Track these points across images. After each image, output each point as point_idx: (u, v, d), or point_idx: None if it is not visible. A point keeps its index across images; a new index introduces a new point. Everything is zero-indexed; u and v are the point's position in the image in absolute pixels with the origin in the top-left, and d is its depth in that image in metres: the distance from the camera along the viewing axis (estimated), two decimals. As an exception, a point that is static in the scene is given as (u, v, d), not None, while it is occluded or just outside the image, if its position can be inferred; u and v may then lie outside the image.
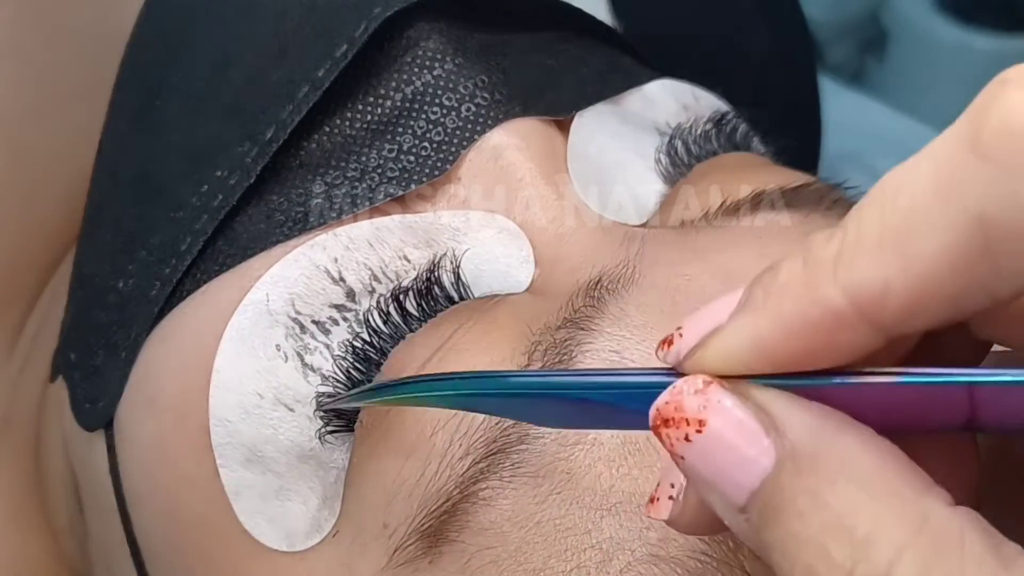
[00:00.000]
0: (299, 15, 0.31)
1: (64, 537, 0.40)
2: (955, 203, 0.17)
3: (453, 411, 0.26)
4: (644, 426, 0.20)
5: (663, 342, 0.20)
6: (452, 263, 0.29)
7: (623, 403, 0.20)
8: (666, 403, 0.19)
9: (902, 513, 0.17)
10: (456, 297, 0.29)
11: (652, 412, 0.19)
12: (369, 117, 0.30)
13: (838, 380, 0.18)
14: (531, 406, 0.21)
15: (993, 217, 0.17)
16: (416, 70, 0.30)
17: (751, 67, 0.58)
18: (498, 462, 0.25)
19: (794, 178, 0.32)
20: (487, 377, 0.23)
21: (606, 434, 0.25)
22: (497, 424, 0.26)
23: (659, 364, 0.20)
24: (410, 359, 0.27)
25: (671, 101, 0.34)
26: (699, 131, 0.33)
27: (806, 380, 0.18)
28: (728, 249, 0.29)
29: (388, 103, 0.30)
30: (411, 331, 0.28)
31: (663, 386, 0.19)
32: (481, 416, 0.26)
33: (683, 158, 0.33)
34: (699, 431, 0.19)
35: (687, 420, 0.19)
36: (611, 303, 0.27)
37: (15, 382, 0.41)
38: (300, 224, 0.29)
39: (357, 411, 0.28)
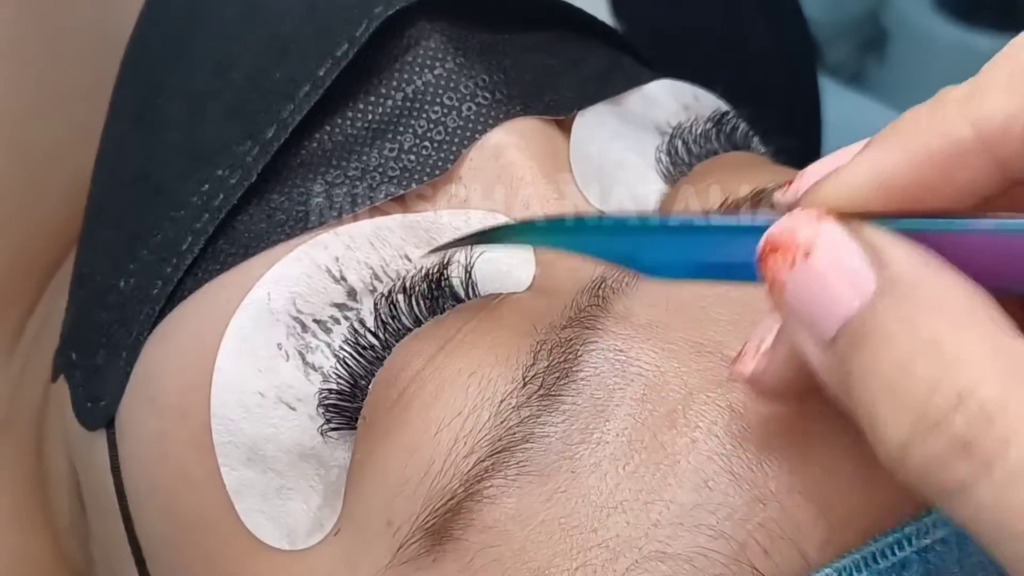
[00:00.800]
0: (300, 14, 0.31)
1: (66, 537, 0.40)
2: None
3: (458, 410, 0.26)
4: (750, 274, 0.20)
5: (786, 182, 0.21)
6: (462, 262, 0.29)
7: (736, 240, 0.21)
8: (779, 230, 0.20)
9: (990, 344, 0.18)
10: (463, 296, 0.29)
11: (763, 240, 0.20)
12: (370, 116, 0.30)
13: (947, 223, 0.19)
14: (642, 244, 0.22)
15: None
16: (417, 69, 0.30)
17: (751, 67, 0.58)
18: (503, 460, 0.25)
19: (794, 177, 0.32)
20: (608, 220, 0.23)
21: (611, 433, 0.25)
22: (502, 423, 0.26)
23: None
24: (414, 355, 0.27)
25: (671, 101, 0.34)
26: (699, 131, 0.33)
27: (917, 222, 0.19)
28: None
29: (389, 102, 0.30)
30: (413, 328, 0.28)
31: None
32: (487, 415, 0.26)
33: (683, 158, 0.33)
34: (806, 257, 0.19)
35: (796, 246, 0.19)
36: (616, 302, 0.27)
37: (16, 382, 0.41)
38: (301, 223, 0.29)
39: (359, 408, 0.28)
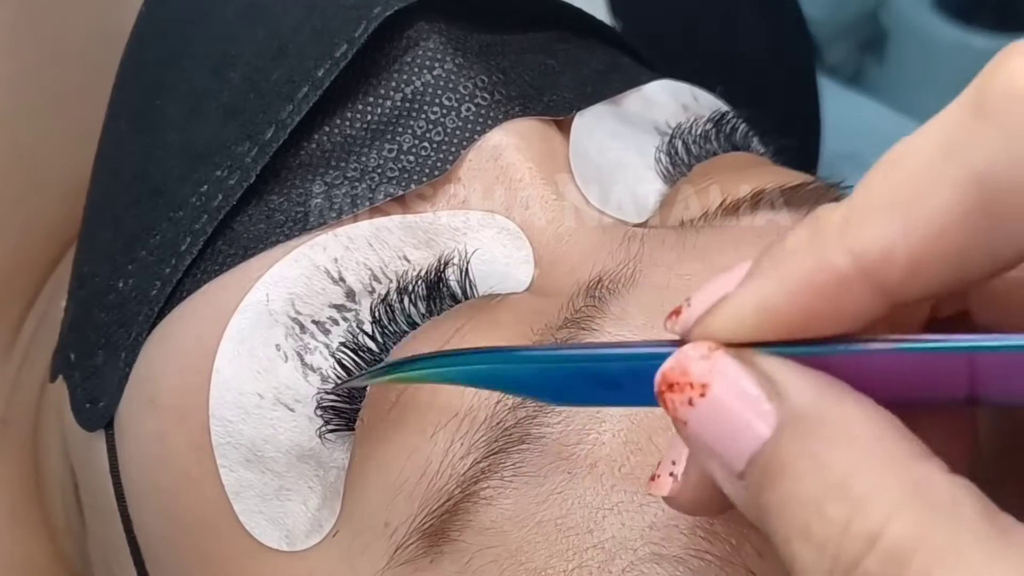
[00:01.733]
0: (299, 15, 0.31)
1: (63, 537, 0.40)
2: (957, 163, 0.17)
3: (455, 412, 0.26)
4: (651, 400, 0.20)
5: (672, 313, 0.20)
6: (460, 262, 0.29)
7: (630, 375, 0.21)
8: (671, 368, 0.19)
9: (899, 476, 0.17)
10: (461, 296, 0.29)
11: (658, 377, 0.20)
12: (369, 117, 0.30)
13: (840, 348, 0.19)
14: (541, 381, 0.22)
15: (994, 176, 0.17)
16: (416, 70, 0.30)
17: (750, 67, 0.58)
18: (499, 462, 0.25)
19: (793, 178, 0.32)
20: (498, 352, 0.23)
21: (607, 434, 0.25)
22: (498, 424, 0.26)
23: (668, 337, 0.20)
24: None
25: (671, 101, 0.34)
26: (699, 131, 0.33)
27: (809, 348, 0.19)
28: (728, 249, 0.29)
29: (388, 103, 0.30)
30: (412, 330, 0.28)
31: (662, 357, 0.20)
32: (483, 416, 0.26)
33: (683, 158, 0.33)
34: (703, 395, 0.19)
35: (691, 384, 0.19)
36: (612, 303, 0.27)
37: (13, 382, 0.41)
38: (300, 224, 0.29)
39: (357, 410, 0.28)
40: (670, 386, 0.19)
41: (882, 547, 0.17)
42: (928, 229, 0.17)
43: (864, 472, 0.17)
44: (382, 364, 0.26)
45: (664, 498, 0.22)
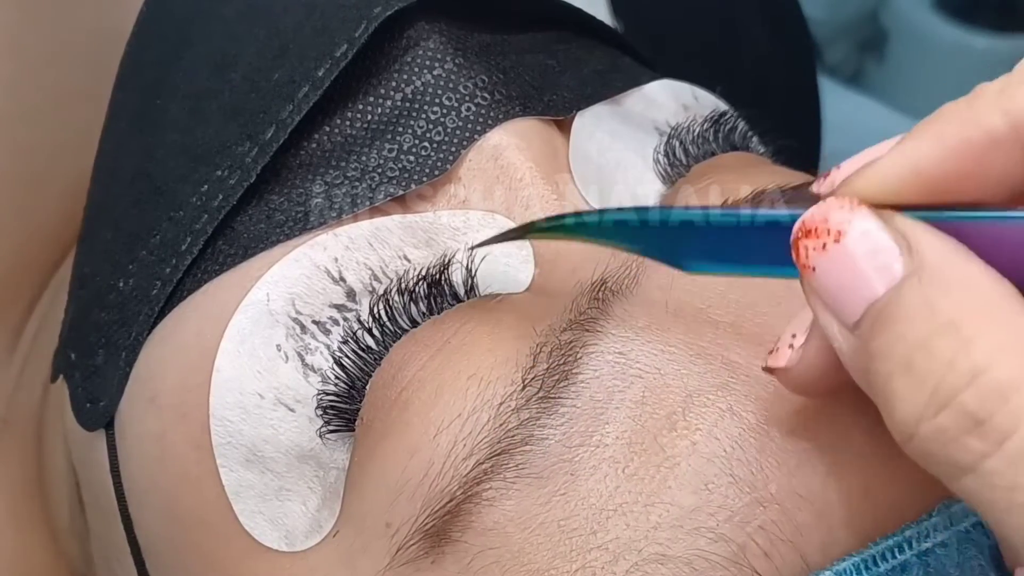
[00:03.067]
0: (299, 15, 0.31)
1: (65, 537, 0.40)
2: None
3: (458, 412, 0.26)
4: (787, 261, 0.21)
5: (821, 175, 0.21)
6: (463, 262, 0.29)
7: (771, 231, 0.21)
8: (813, 214, 0.20)
9: (1010, 328, 0.18)
10: (463, 296, 0.29)
11: (798, 224, 0.20)
12: (369, 117, 0.30)
13: (977, 214, 0.19)
14: (677, 237, 0.23)
15: None
16: (416, 70, 0.30)
17: (750, 67, 0.58)
18: (502, 463, 0.25)
19: (793, 178, 0.32)
20: (646, 209, 0.24)
21: (611, 436, 0.25)
22: (501, 426, 0.26)
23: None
24: (411, 356, 0.27)
25: (671, 101, 0.34)
26: (697, 131, 0.33)
27: (947, 214, 0.19)
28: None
29: (388, 103, 0.30)
30: (412, 329, 0.28)
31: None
32: (486, 417, 0.26)
33: (681, 159, 0.33)
34: (837, 241, 0.20)
35: (828, 230, 0.20)
36: (615, 305, 0.27)
37: (15, 382, 0.41)
38: (300, 224, 0.29)
39: (357, 410, 0.28)
40: (807, 232, 0.20)
41: (983, 382, 0.17)
42: None
43: (976, 316, 0.18)
44: (521, 225, 0.26)
45: (777, 371, 0.23)
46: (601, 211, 0.24)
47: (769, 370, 0.23)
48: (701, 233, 0.23)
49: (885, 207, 0.20)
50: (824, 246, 0.20)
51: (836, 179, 0.21)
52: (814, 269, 0.20)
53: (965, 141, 0.19)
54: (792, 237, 0.21)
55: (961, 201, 0.20)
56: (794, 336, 0.23)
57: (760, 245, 0.22)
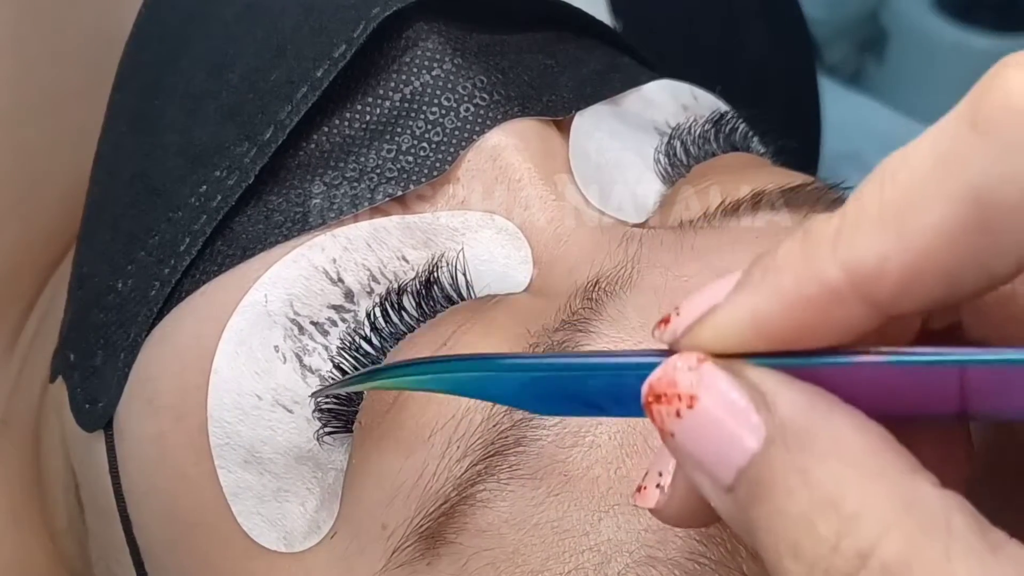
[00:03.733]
0: (297, 15, 0.31)
1: (63, 537, 0.40)
2: (953, 178, 0.17)
3: (451, 414, 0.26)
4: (638, 412, 0.19)
5: (660, 322, 0.20)
6: (452, 263, 0.29)
7: (617, 386, 0.20)
8: (659, 378, 0.19)
9: (890, 492, 0.17)
10: (456, 297, 0.29)
11: (645, 388, 0.19)
12: (368, 117, 0.30)
13: (830, 360, 0.18)
14: (526, 393, 0.21)
15: (989, 191, 0.17)
16: (415, 70, 0.30)
17: (750, 67, 0.58)
18: (496, 464, 0.25)
19: (793, 178, 0.32)
20: (483, 361, 0.22)
21: (604, 436, 0.25)
22: (495, 427, 0.26)
23: (656, 346, 0.20)
24: (408, 357, 0.27)
25: (670, 101, 0.34)
26: (698, 131, 0.33)
27: (798, 360, 0.18)
28: (727, 249, 0.29)
29: (387, 103, 0.30)
30: (410, 331, 0.28)
31: (652, 366, 0.19)
32: (479, 418, 0.26)
33: (682, 159, 0.33)
34: (690, 407, 0.19)
35: (679, 396, 0.19)
36: (609, 305, 0.27)
37: (14, 383, 0.41)
38: (299, 225, 0.29)
39: (355, 412, 0.28)
40: (657, 397, 0.19)
41: (874, 564, 0.17)
42: (921, 244, 0.17)
43: (855, 488, 0.17)
44: (368, 369, 0.25)
45: (651, 510, 0.21)
46: (427, 365, 0.23)
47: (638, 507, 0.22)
48: (541, 390, 0.21)
49: (735, 357, 0.19)
50: (678, 412, 0.19)
51: (678, 328, 0.19)
52: (673, 435, 0.19)
53: (803, 295, 0.18)
54: (643, 401, 0.19)
55: (812, 348, 0.18)
56: (660, 474, 0.21)
57: (611, 394, 0.20)
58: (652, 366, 0.19)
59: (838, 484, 0.17)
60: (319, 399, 0.28)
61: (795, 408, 0.18)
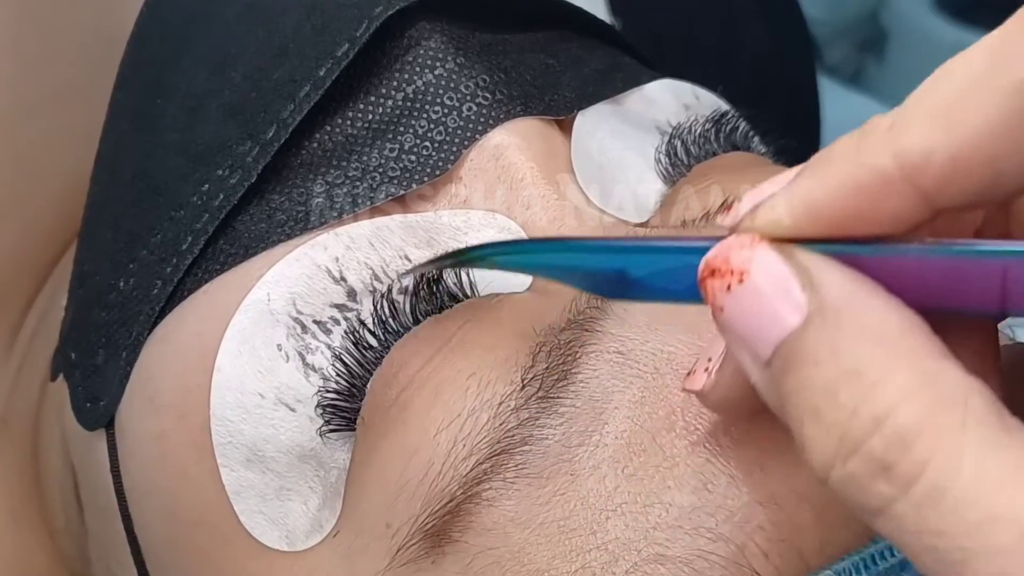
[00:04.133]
0: (299, 14, 0.31)
1: (62, 537, 0.40)
2: (1001, 74, 0.18)
3: (457, 412, 0.26)
4: (695, 293, 0.21)
5: (724, 207, 0.21)
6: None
7: (682, 267, 0.21)
8: (714, 255, 0.20)
9: (913, 367, 0.18)
10: (460, 295, 0.29)
11: (702, 264, 0.20)
12: (370, 116, 0.30)
13: (877, 248, 0.19)
14: (597, 271, 0.22)
15: None
16: (417, 69, 0.30)
17: (750, 67, 0.58)
18: (502, 463, 0.25)
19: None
20: (566, 243, 0.24)
21: (610, 435, 0.25)
22: (501, 425, 0.26)
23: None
24: (412, 355, 0.27)
25: (672, 101, 0.34)
26: (699, 131, 0.33)
27: (848, 247, 0.19)
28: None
29: (389, 102, 0.30)
30: (412, 329, 0.28)
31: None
32: (485, 417, 0.26)
33: (682, 158, 0.33)
34: (741, 281, 0.20)
35: (732, 271, 0.20)
36: (615, 304, 0.27)
37: (13, 381, 0.41)
38: (301, 224, 0.29)
39: (358, 410, 0.28)
40: (712, 272, 0.20)
41: (887, 429, 0.17)
42: (967, 135, 0.18)
43: (879, 361, 0.18)
44: (446, 253, 0.25)
45: (696, 393, 0.23)
46: (526, 241, 0.24)
47: (687, 391, 0.23)
48: (622, 265, 0.22)
49: (788, 241, 0.20)
50: (729, 287, 0.20)
51: (739, 211, 0.21)
52: (722, 309, 0.20)
53: (857, 182, 0.19)
54: (698, 277, 0.20)
55: (864, 236, 0.20)
56: (710, 360, 0.23)
57: (679, 275, 0.22)
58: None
59: (865, 357, 0.18)
60: (322, 396, 0.28)
61: (838, 290, 0.19)
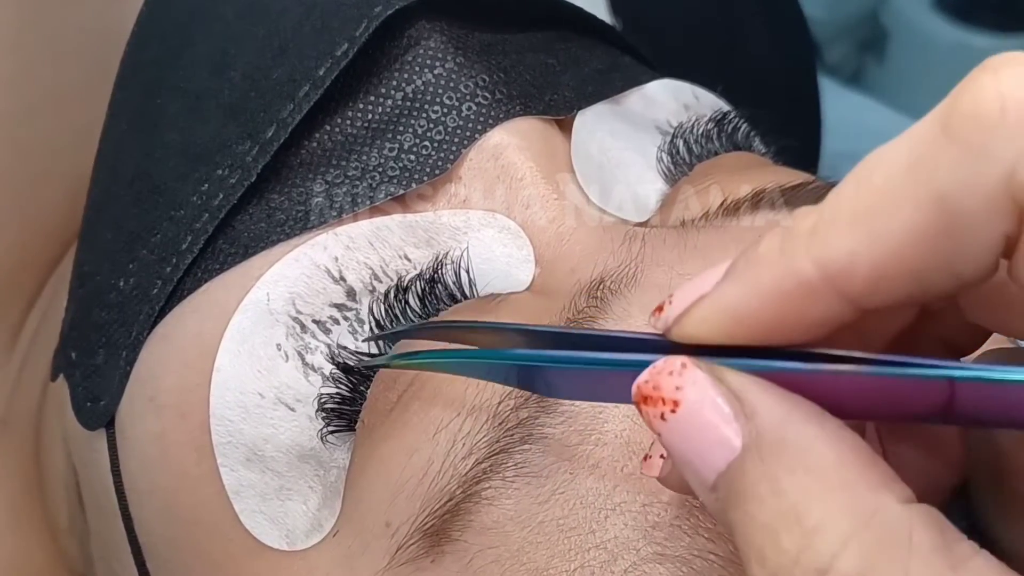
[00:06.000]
0: (299, 14, 0.31)
1: (64, 536, 0.40)
2: (921, 182, 0.17)
3: (457, 412, 0.26)
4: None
5: (656, 308, 0.21)
6: (456, 261, 0.29)
7: (612, 374, 0.21)
8: (645, 381, 0.20)
9: (852, 506, 0.17)
10: (459, 296, 0.29)
11: (633, 389, 0.20)
12: (370, 116, 0.30)
13: (813, 367, 0.19)
14: (535, 377, 0.22)
15: (954, 197, 0.17)
16: (417, 69, 0.30)
17: (751, 67, 0.58)
18: (501, 462, 0.25)
19: (794, 177, 0.32)
20: (496, 353, 0.23)
21: (610, 434, 0.25)
22: (500, 425, 0.26)
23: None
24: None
25: (672, 100, 0.34)
26: (700, 130, 0.33)
27: (781, 364, 0.19)
28: (729, 248, 0.29)
29: (389, 102, 0.30)
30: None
31: (646, 364, 0.20)
32: (485, 416, 0.26)
33: (684, 157, 0.33)
34: (673, 411, 0.19)
35: (663, 399, 0.19)
36: (614, 303, 0.27)
37: (15, 382, 0.41)
38: (301, 223, 0.29)
39: (358, 411, 0.28)
40: (644, 399, 0.19)
41: None
42: (889, 245, 0.18)
43: (818, 501, 0.17)
44: (393, 353, 0.26)
45: (657, 479, 0.22)
46: (458, 353, 0.24)
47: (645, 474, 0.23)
48: (545, 373, 0.22)
49: (720, 351, 0.19)
50: (663, 415, 0.19)
51: (669, 316, 0.20)
52: (660, 435, 0.19)
53: (780, 290, 0.18)
54: (633, 400, 0.20)
55: (791, 345, 0.19)
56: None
57: (615, 385, 0.21)
58: (641, 364, 0.20)
59: (803, 496, 0.18)
60: (322, 396, 0.28)
61: (772, 417, 0.18)
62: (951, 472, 0.21)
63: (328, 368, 0.28)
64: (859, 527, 0.17)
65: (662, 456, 0.22)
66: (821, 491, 0.18)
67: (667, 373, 0.19)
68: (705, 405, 0.19)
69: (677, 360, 0.19)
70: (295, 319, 0.28)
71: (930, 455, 0.20)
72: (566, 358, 0.22)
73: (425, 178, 0.30)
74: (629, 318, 0.27)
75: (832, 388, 0.19)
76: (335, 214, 0.29)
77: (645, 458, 0.23)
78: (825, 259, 0.18)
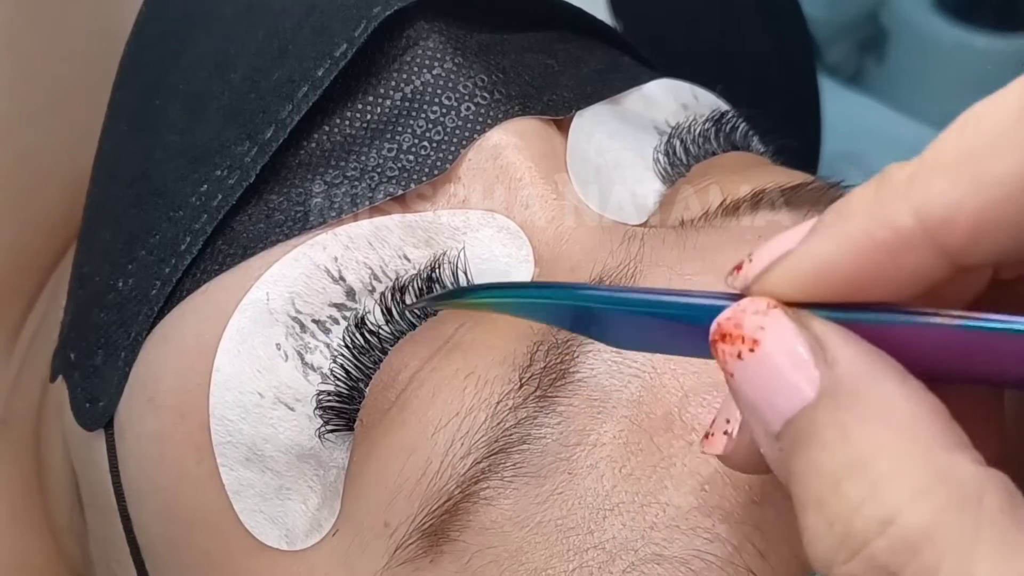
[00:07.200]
0: (298, 15, 0.31)
1: (64, 536, 0.40)
2: None
3: (455, 411, 0.26)
4: (705, 352, 0.20)
5: (734, 268, 0.20)
6: (454, 261, 0.29)
7: (688, 321, 0.20)
8: (727, 318, 0.19)
9: (925, 462, 0.17)
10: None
11: (713, 326, 0.19)
12: (369, 116, 0.30)
13: (901, 318, 0.18)
14: (598, 320, 0.22)
15: None
16: (416, 69, 0.30)
17: (751, 67, 0.58)
18: (499, 462, 0.25)
19: (793, 177, 0.32)
20: (560, 288, 0.23)
21: (608, 434, 0.25)
22: (499, 424, 0.26)
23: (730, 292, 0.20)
24: (411, 356, 0.28)
25: (671, 100, 0.34)
26: (698, 131, 0.33)
27: (868, 315, 0.18)
28: (728, 248, 0.29)
29: (388, 102, 0.30)
30: (412, 329, 0.28)
31: (719, 311, 0.19)
32: (483, 416, 0.26)
33: (681, 158, 0.33)
34: (752, 350, 0.19)
35: (743, 337, 0.19)
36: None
37: (14, 382, 0.41)
38: (300, 223, 0.29)
39: (357, 410, 0.28)
40: (723, 336, 0.19)
41: (893, 532, 0.16)
42: (995, 193, 0.17)
43: (889, 453, 0.17)
44: (446, 291, 0.25)
45: (719, 456, 0.22)
46: (527, 289, 0.23)
47: (706, 453, 0.22)
48: (625, 311, 0.21)
49: (803, 305, 0.19)
50: (739, 354, 0.19)
51: (749, 274, 0.19)
52: (732, 375, 0.19)
53: (874, 241, 0.18)
54: (710, 338, 0.19)
55: (883, 302, 0.18)
56: (728, 421, 0.21)
57: (682, 333, 0.21)
58: (718, 311, 0.19)
59: (873, 447, 0.17)
60: (321, 396, 0.28)
61: (852, 366, 0.18)
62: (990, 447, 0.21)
63: (328, 367, 0.28)
64: (931, 483, 0.17)
65: (726, 433, 0.21)
66: (893, 444, 0.17)
67: (751, 312, 0.19)
68: (786, 346, 0.18)
69: (762, 300, 0.19)
70: (294, 319, 0.28)
71: (972, 428, 0.20)
72: (639, 301, 0.21)
73: (424, 178, 0.30)
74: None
75: (918, 344, 0.18)
76: (334, 214, 0.29)
77: (706, 436, 0.22)
78: (925, 207, 0.17)
